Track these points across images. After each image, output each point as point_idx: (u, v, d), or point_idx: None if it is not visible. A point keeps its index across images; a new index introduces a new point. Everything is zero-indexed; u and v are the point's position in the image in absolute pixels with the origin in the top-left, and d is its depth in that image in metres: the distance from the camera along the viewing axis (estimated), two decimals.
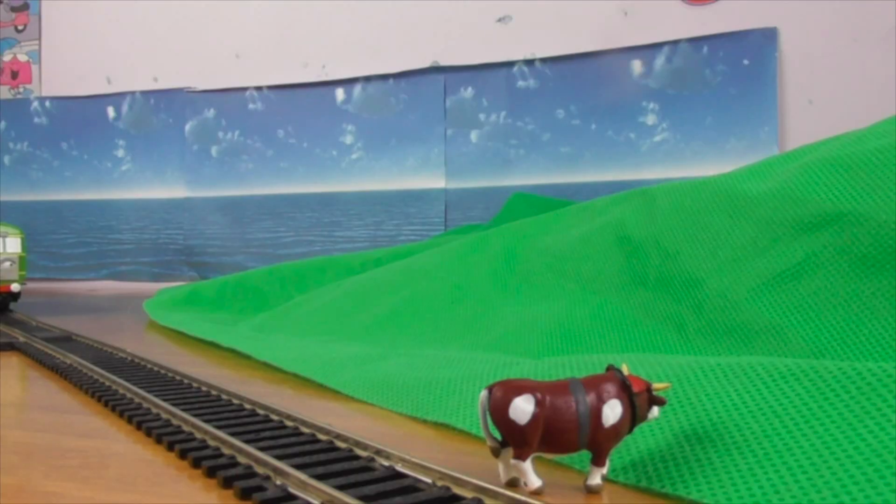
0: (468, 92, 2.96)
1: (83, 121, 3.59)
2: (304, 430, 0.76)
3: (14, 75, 3.74)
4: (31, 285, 2.51)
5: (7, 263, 2.03)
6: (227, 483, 0.61)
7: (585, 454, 0.60)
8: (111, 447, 0.76)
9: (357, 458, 0.66)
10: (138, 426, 0.81)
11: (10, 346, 1.44)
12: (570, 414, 0.57)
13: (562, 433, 0.57)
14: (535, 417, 0.57)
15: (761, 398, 0.64)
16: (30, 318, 1.90)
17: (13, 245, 2.08)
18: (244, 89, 3.31)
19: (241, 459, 0.66)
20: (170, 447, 0.73)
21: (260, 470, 0.63)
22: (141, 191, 3.53)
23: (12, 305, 2.15)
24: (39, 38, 3.71)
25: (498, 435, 0.60)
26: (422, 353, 1.12)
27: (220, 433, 0.72)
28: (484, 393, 0.60)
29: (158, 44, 3.43)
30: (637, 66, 2.70)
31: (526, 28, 2.87)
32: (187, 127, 3.42)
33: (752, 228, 1.13)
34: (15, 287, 2.05)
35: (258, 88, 3.29)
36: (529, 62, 2.86)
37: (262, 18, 3.27)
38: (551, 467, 0.65)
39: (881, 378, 0.60)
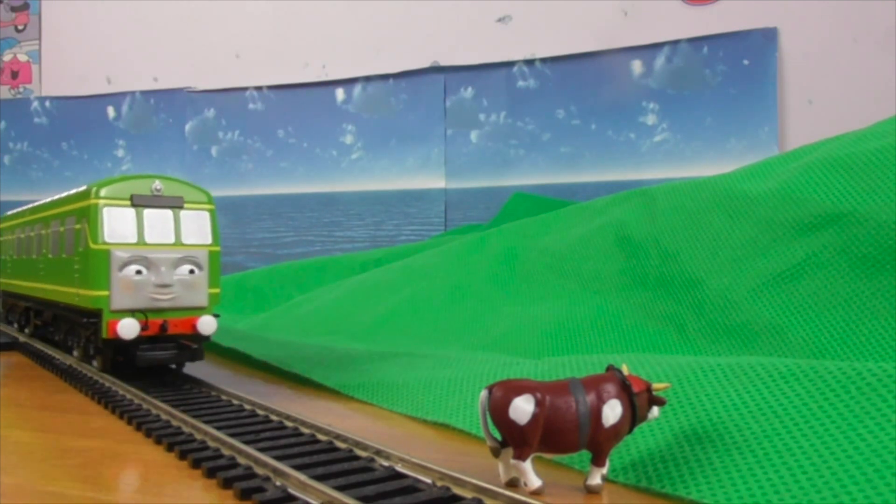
0: (468, 92, 2.96)
1: (83, 121, 3.58)
2: (304, 430, 0.76)
3: (14, 75, 3.73)
4: None
5: (187, 269, 1.01)
6: (226, 484, 0.61)
7: (585, 454, 0.60)
8: (111, 447, 0.76)
9: (357, 458, 0.66)
10: (138, 427, 0.81)
11: (10, 346, 1.44)
12: (570, 414, 0.57)
13: (562, 433, 0.57)
14: (535, 417, 0.57)
15: (761, 398, 0.64)
16: None
17: (196, 229, 1.04)
18: (244, 89, 3.31)
19: (241, 460, 0.66)
20: (170, 448, 0.73)
21: (260, 471, 0.63)
22: None
23: (189, 367, 1.09)
24: (39, 38, 3.71)
25: (498, 435, 0.60)
26: (422, 353, 1.12)
27: (220, 434, 0.72)
28: (484, 393, 0.60)
29: (158, 44, 3.43)
30: (637, 66, 2.69)
31: (526, 28, 2.86)
32: (187, 127, 3.42)
33: (752, 228, 1.13)
34: (205, 324, 1.02)
35: (258, 88, 3.29)
36: (529, 62, 2.86)
37: (262, 18, 3.27)
38: (551, 467, 0.65)
39: (881, 378, 0.60)
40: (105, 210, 0.99)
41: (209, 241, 1.04)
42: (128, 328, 0.96)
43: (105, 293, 0.97)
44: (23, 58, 3.74)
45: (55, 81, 3.66)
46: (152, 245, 0.99)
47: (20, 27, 3.73)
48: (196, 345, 1.03)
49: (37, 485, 0.64)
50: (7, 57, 3.74)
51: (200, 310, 1.02)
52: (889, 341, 0.87)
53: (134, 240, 0.99)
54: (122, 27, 3.49)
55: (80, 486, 0.63)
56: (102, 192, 1.00)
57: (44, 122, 3.64)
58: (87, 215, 1.00)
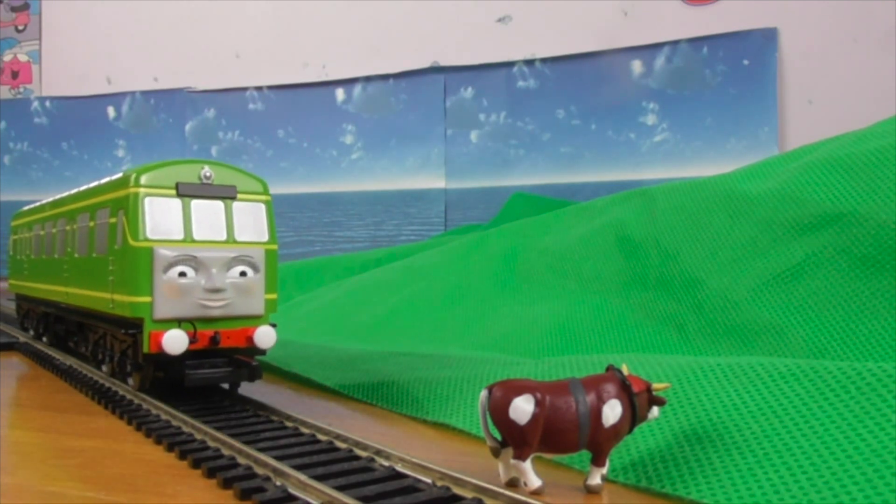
0: (468, 92, 2.96)
1: (83, 121, 3.58)
2: (304, 430, 0.76)
3: (14, 75, 3.73)
4: None
5: (238, 272, 0.86)
6: (226, 484, 0.61)
7: (585, 454, 0.60)
8: (111, 447, 0.76)
9: (357, 458, 0.66)
10: (138, 427, 0.81)
11: (10, 346, 1.44)
12: (570, 414, 0.57)
13: (562, 433, 0.57)
14: (535, 417, 0.57)
15: (761, 398, 0.64)
16: None
17: (251, 223, 0.89)
18: (244, 89, 3.31)
19: (241, 460, 0.66)
20: (170, 448, 0.73)
21: (260, 471, 0.63)
22: None
23: (246, 389, 0.94)
24: (39, 38, 3.71)
25: (498, 435, 0.60)
26: (422, 353, 1.12)
27: (220, 434, 0.72)
28: (484, 393, 0.60)
29: (158, 44, 3.43)
30: (637, 66, 2.69)
31: (526, 28, 2.86)
32: (187, 127, 3.42)
33: (752, 229, 1.13)
34: (263, 336, 0.88)
35: (258, 88, 3.29)
36: (529, 62, 2.86)
37: (262, 18, 3.27)
38: (551, 467, 0.65)
39: (881, 378, 0.60)
40: (147, 200, 0.83)
41: (265, 237, 0.89)
42: (175, 341, 0.81)
43: (147, 299, 0.82)
44: (23, 58, 3.74)
45: (55, 81, 3.67)
46: (201, 242, 0.84)
47: (20, 27, 3.73)
48: (254, 361, 0.88)
49: (37, 485, 0.64)
50: (7, 57, 3.74)
51: (256, 319, 0.87)
52: (889, 341, 0.87)
53: (180, 236, 0.84)
54: (122, 27, 3.49)
55: (80, 486, 0.63)
56: (143, 180, 0.84)
57: (44, 122, 3.64)
58: (126, 207, 0.85)
